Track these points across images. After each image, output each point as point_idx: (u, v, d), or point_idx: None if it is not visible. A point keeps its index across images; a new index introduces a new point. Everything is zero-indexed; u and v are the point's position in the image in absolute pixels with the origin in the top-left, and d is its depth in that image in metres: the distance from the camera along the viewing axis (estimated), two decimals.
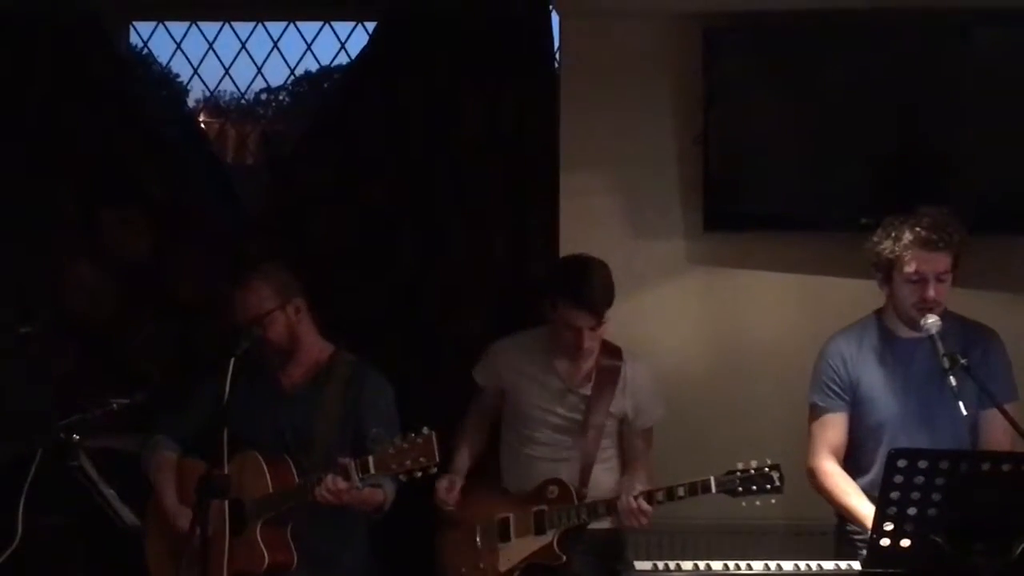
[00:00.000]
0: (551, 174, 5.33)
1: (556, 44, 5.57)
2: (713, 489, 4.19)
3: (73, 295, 5.75)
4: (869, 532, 3.72)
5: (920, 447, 3.84)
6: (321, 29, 6.22)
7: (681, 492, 4.26)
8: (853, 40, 5.03)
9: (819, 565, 3.86)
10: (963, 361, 3.90)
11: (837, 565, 3.87)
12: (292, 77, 6.47)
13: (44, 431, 4.57)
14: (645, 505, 4.29)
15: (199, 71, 6.31)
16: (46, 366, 5.33)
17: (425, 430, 4.09)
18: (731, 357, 5.20)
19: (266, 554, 4.32)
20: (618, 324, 4.54)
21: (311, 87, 6.81)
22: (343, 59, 6.20)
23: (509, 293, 5.54)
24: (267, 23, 6.21)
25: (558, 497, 4.49)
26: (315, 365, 4.53)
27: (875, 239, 4.16)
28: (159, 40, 6.33)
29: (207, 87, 6.41)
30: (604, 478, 4.56)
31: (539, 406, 4.57)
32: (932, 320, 4.02)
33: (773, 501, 4.15)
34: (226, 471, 4.04)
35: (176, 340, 5.75)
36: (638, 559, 4.01)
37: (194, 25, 6.24)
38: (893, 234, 4.10)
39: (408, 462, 4.08)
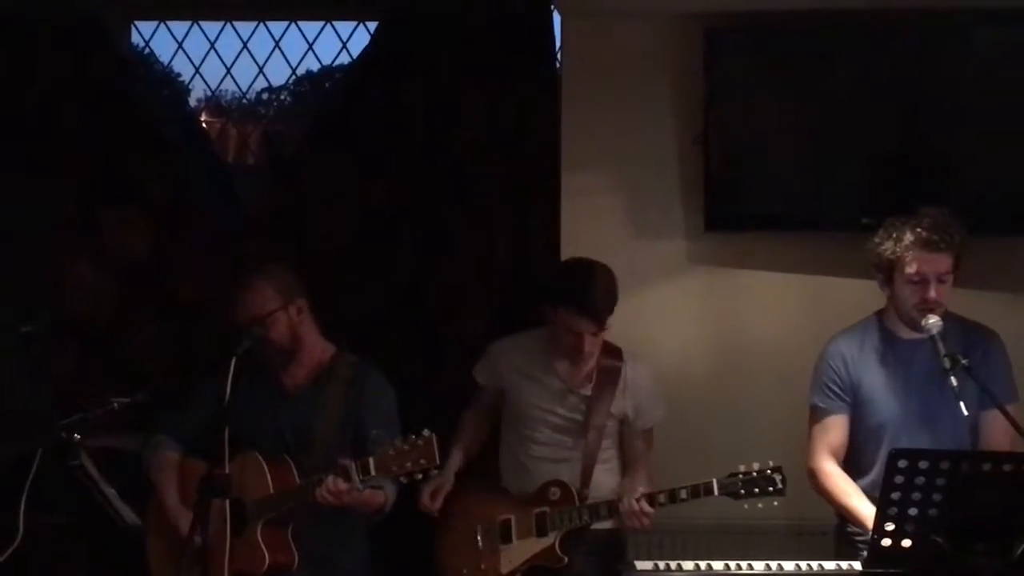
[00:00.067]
0: (552, 174, 5.33)
1: (557, 44, 5.57)
2: (715, 491, 4.19)
3: (74, 295, 5.75)
4: (870, 532, 3.73)
5: (921, 448, 3.84)
6: (323, 29, 6.23)
7: (683, 494, 4.26)
8: (854, 40, 5.03)
9: (820, 565, 3.87)
10: (964, 362, 3.90)
11: (838, 565, 3.88)
12: (293, 77, 6.50)
13: (45, 430, 4.57)
14: (647, 507, 4.29)
15: (201, 71, 6.34)
16: (47, 366, 5.33)
17: (426, 432, 4.08)
18: (732, 357, 5.20)
19: (267, 555, 4.31)
20: (619, 324, 4.53)
21: (312, 87, 6.82)
22: (344, 59, 6.23)
23: (510, 293, 5.54)
24: (269, 23, 6.22)
25: (560, 499, 4.49)
26: (317, 366, 4.53)
27: (876, 240, 4.15)
28: (161, 40, 6.36)
29: (208, 87, 6.44)
30: (605, 479, 4.56)
31: (539, 406, 4.57)
32: (933, 321, 4.02)
33: (775, 503, 4.15)
34: (227, 471, 4.04)
35: (176, 340, 5.76)
36: (639, 559, 4.02)
37: (196, 25, 6.25)
38: (894, 235, 4.10)
39: (408, 464, 4.07)
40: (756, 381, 5.13)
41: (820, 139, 5.04)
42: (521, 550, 4.50)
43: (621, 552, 4.59)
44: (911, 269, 4.06)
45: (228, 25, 6.23)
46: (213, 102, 6.61)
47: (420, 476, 4.13)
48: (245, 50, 6.26)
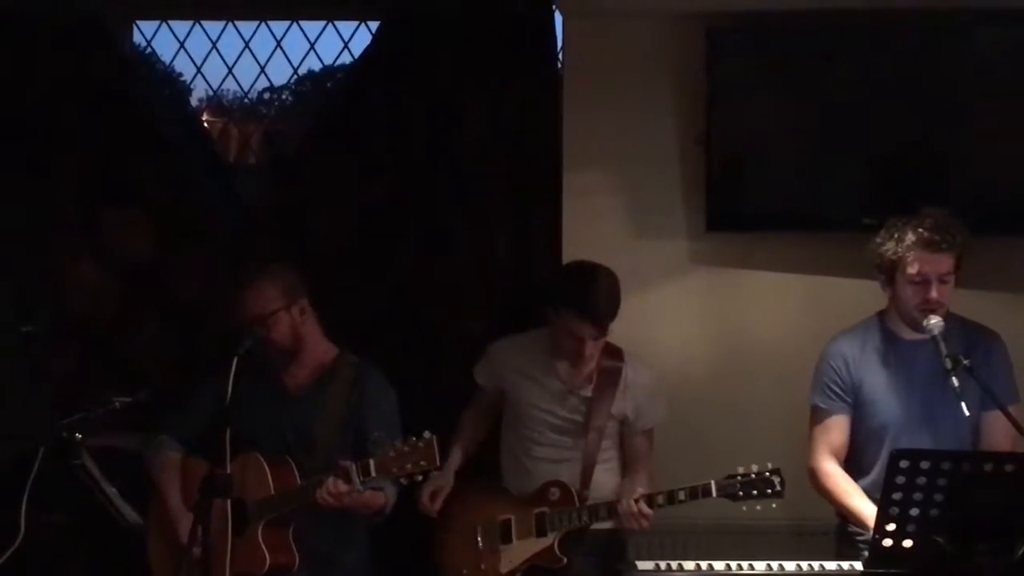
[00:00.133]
0: (554, 174, 5.33)
1: (559, 44, 5.56)
2: (714, 493, 4.19)
3: (74, 295, 5.75)
4: (871, 532, 3.73)
5: (923, 448, 3.84)
6: (324, 28, 6.22)
7: (682, 496, 4.26)
8: (855, 40, 5.03)
9: (821, 565, 3.87)
10: (966, 362, 3.90)
11: (839, 565, 3.88)
12: (295, 76, 6.49)
13: (46, 430, 4.57)
14: (646, 508, 4.29)
15: (202, 70, 6.33)
16: (47, 366, 5.33)
17: (426, 434, 4.08)
18: (733, 357, 5.19)
19: (267, 555, 4.31)
20: (620, 324, 4.52)
21: (314, 86, 6.81)
22: (346, 58, 6.22)
23: (511, 293, 5.54)
24: (270, 22, 6.22)
25: (559, 499, 4.48)
26: (319, 367, 4.52)
27: (878, 240, 4.15)
28: (162, 39, 6.36)
29: (210, 86, 6.43)
30: (605, 479, 4.56)
31: (539, 407, 4.57)
32: (935, 321, 4.02)
33: (774, 506, 4.15)
34: (228, 471, 4.04)
35: (178, 340, 5.75)
36: (640, 559, 4.02)
37: (197, 24, 6.24)
38: (896, 235, 4.10)
39: (409, 465, 4.07)
40: (757, 381, 5.13)
41: (821, 139, 5.05)
42: (521, 550, 4.50)
43: (621, 552, 4.59)
44: (912, 269, 4.06)
45: (230, 25, 6.23)
46: (214, 102, 6.61)
47: (420, 478, 4.13)
48: (247, 50, 6.26)
